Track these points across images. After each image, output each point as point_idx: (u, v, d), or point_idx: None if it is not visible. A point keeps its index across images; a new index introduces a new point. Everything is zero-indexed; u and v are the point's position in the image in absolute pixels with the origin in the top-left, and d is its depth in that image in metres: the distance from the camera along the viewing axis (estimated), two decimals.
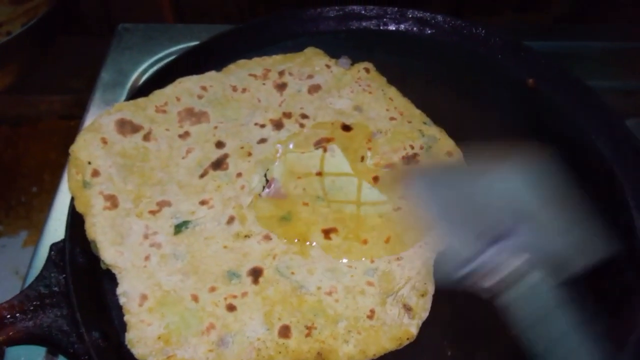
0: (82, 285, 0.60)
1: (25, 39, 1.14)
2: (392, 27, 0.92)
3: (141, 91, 0.79)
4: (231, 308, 0.58)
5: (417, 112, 0.78)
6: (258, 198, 0.67)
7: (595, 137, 0.76)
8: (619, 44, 1.10)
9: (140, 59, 1.01)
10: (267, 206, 0.67)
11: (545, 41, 1.07)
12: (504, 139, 0.73)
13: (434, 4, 1.34)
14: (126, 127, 0.70)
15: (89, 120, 0.92)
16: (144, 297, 0.58)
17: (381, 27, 0.92)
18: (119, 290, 0.59)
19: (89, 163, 0.66)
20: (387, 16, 0.91)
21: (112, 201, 0.64)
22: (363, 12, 0.92)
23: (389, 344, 0.59)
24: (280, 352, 0.56)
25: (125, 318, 0.57)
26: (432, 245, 0.64)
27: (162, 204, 0.65)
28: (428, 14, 0.90)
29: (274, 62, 0.82)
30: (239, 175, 0.69)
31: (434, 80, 0.80)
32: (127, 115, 0.71)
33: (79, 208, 0.64)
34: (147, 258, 0.61)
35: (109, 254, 0.60)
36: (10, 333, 0.56)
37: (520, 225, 0.55)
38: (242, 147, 0.71)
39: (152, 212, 0.64)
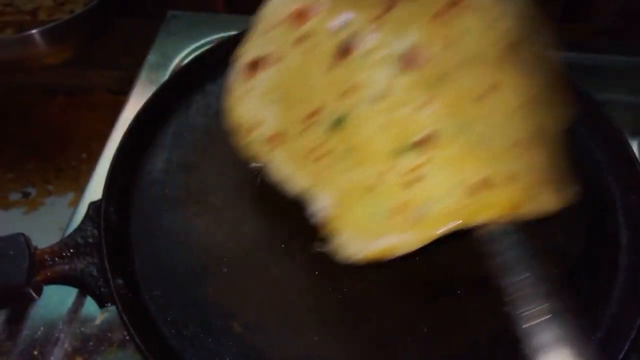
0: (112, 239, 0.67)
1: (86, 17, 1.24)
2: None
3: (180, 75, 0.85)
4: (419, 179, 0.54)
5: None
6: (401, 74, 0.56)
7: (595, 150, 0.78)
8: None
9: (183, 45, 1.07)
10: (412, 79, 0.56)
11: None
12: None
13: None
14: (252, 69, 0.65)
15: (134, 96, 1.00)
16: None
17: None
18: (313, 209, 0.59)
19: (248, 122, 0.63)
20: None
21: (279, 138, 0.62)
22: None
23: None
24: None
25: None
26: None
27: (312, 115, 0.59)
28: None
29: None
30: (374, 50, 0.57)
31: None
32: (250, 57, 0.66)
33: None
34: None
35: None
36: (49, 274, 0.64)
37: None
38: (370, 18, 0.58)
39: (305, 127, 0.59)
